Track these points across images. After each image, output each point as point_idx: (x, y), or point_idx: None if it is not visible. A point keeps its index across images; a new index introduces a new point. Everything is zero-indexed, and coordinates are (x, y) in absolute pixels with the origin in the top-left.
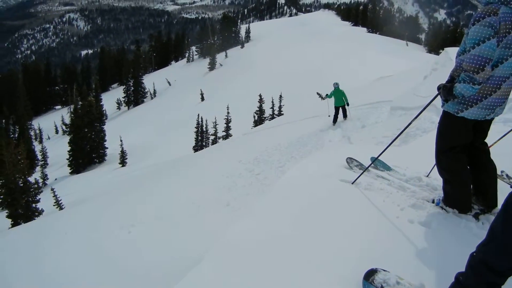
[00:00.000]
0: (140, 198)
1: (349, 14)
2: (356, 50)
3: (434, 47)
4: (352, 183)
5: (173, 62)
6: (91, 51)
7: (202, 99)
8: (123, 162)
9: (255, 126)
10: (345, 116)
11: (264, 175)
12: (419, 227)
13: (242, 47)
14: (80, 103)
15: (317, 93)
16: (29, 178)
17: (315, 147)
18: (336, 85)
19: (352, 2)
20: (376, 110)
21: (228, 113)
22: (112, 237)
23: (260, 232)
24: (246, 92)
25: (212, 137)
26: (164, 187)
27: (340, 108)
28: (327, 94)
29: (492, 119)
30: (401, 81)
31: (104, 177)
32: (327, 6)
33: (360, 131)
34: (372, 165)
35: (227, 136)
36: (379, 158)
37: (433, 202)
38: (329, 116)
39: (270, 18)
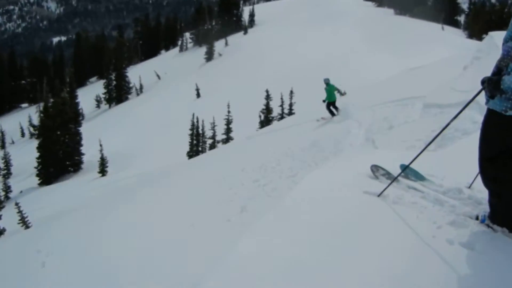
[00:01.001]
0: (124, 214)
1: None
2: (381, 36)
3: (476, 32)
4: (378, 196)
5: (163, 52)
6: (65, 38)
7: (198, 95)
8: (103, 171)
9: (261, 127)
10: (336, 109)
11: (272, 186)
12: (460, 250)
13: (245, 33)
14: (51, 100)
15: (323, 101)
16: None
17: (333, 153)
18: (327, 81)
19: None
20: (406, 108)
21: (228, 112)
22: (89, 261)
23: (267, 256)
24: (250, 88)
25: (209, 141)
26: (152, 201)
27: (330, 104)
28: (323, 100)
29: None
30: (436, 72)
31: (80, 189)
32: None
33: (387, 133)
34: (402, 174)
35: (227, 139)
36: (410, 165)
37: (477, 218)
38: (332, 116)
39: None
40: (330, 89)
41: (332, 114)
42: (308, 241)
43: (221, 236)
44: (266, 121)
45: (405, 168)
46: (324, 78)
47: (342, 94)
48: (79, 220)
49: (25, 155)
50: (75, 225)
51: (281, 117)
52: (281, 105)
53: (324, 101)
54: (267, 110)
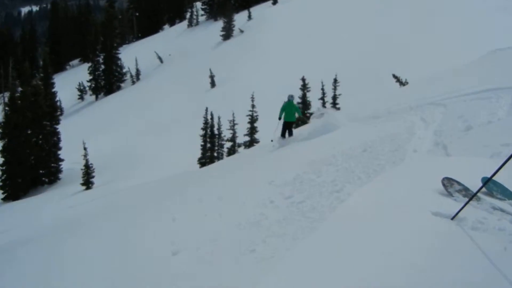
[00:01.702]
0: (113, 242)
1: None
2: (455, 5)
3: None
4: (452, 219)
5: (166, 27)
6: (37, 8)
7: (212, 84)
8: (87, 183)
9: (294, 128)
10: (290, 134)
11: (309, 205)
12: None
13: (274, 3)
14: (19, 89)
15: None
16: None
17: (391, 161)
18: (291, 98)
19: None
20: (489, 103)
21: (253, 106)
22: None
23: None
24: (280, 74)
25: (228, 145)
26: (150, 222)
27: (292, 124)
28: (279, 118)
29: None
30: None
31: (57, 206)
32: None
33: (463, 136)
34: (485, 189)
35: (251, 142)
36: (494, 179)
37: None
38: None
39: None
40: (290, 108)
41: (283, 135)
42: (357, 280)
43: (241, 274)
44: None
45: (487, 182)
46: (289, 94)
47: (300, 116)
48: (50, 248)
49: None
50: (44, 255)
51: (322, 113)
52: (322, 98)
53: (279, 119)
54: (304, 103)
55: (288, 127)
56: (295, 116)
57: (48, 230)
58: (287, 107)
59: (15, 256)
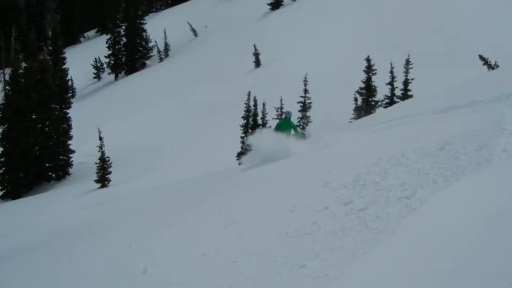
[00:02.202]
0: (132, 252)
1: None
2: None
3: None
4: None
5: None
6: None
7: (257, 63)
8: (103, 180)
9: (356, 117)
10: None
11: (373, 213)
12: None
13: None
14: (23, 65)
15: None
16: None
17: (475, 162)
18: (287, 115)
19: None
20: None
21: (305, 91)
22: None
23: None
24: (339, 53)
25: None
26: (177, 231)
27: None
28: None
29: None
30: None
31: (65, 207)
32: None
33: None
34: None
35: (302, 134)
36: None
37: None
38: None
39: None
40: (286, 125)
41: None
42: None
43: None
44: (365, 107)
45: None
46: (287, 111)
47: (298, 133)
48: (48, 260)
49: None
50: (42, 269)
51: (390, 101)
52: (391, 83)
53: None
54: (368, 89)
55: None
56: (291, 134)
57: (50, 236)
58: (283, 124)
59: (11, 268)
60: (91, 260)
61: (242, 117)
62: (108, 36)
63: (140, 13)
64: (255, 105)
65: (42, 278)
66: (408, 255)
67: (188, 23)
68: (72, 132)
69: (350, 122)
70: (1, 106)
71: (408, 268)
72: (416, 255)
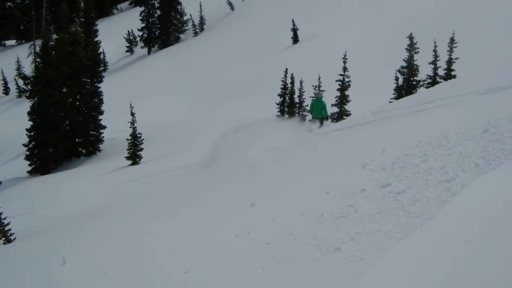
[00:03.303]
0: (161, 236)
1: None
2: None
3: None
4: None
5: None
6: None
7: (295, 40)
8: (134, 157)
9: (397, 97)
10: (320, 126)
11: (411, 196)
12: None
13: None
14: (54, 36)
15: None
16: None
17: None
18: (318, 95)
19: None
20: None
21: (344, 69)
22: None
23: None
24: (383, 29)
25: (310, 116)
26: (208, 211)
27: (318, 120)
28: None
29: None
30: None
31: (95, 184)
32: None
33: None
34: None
35: (340, 115)
36: None
37: None
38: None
39: None
40: (316, 104)
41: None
42: None
43: (322, 278)
44: (406, 87)
45: None
46: (316, 91)
47: (326, 115)
48: (57, 242)
49: (8, 125)
50: (46, 252)
51: (433, 81)
52: (434, 62)
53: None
54: (409, 68)
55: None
56: (322, 113)
57: (71, 217)
58: (314, 105)
59: (40, 242)
60: (139, 234)
61: (279, 94)
62: (142, 8)
63: None
64: (292, 82)
65: (43, 264)
66: (447, 242)
67: None
68: (103, 107)
69: (391, 102)
70: (31, 78)
71: (446, 254)
72: (455, 242)
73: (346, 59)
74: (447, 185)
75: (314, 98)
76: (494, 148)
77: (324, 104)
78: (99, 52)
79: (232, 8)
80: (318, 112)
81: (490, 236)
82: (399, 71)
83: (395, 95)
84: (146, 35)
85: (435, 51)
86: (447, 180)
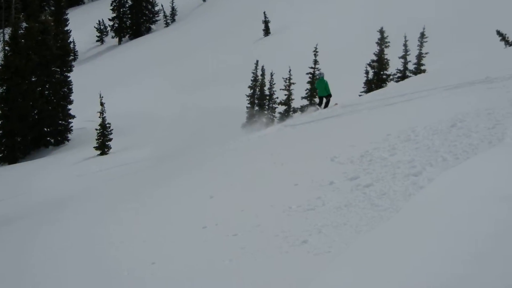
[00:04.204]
0: (129, 227)
1: None
2: None
3: None
4: None
5: None
6: None
7: (266, 32)
8: (103, 147)
9: (366, 91)
10: (326, 106)
11: (379, 189)
12: None
13: None
14: (24, 25)
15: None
16: None
17: (487, 140)
18: (321, 75)
19: None
20: None
21: (315, 62)
22: None
23: None
24: (352, 23)
25: (281, 108)
26: (175, 203)
27: (324, 98)
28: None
29: None
30: None
31: (63, 174)
32: None
33: None
34: None
35: (310, 106)
36: None
37: None
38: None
39: None
40: (319, 83)
41: (319, 104)
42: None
43: (289, 270)
44: (376, 81)
45: None
46: (319, 72)
47: (329, 94)
48: (27, 232)
49: None
50: (18, 241)
51: (403, 75)
52: (404, 56)
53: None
54: (380, 62)
55: (321, 100)
56: (325, 91)
57: (40, 206)
58: (318, 84)
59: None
60: (61, 235)
61: (249, 86)
62: None
63: None
64: (263, 74)
65: (14, 252)
66: (413, 235)
67: None
68: (72, 97)
69: (360, 95)
70: (0, 67)
71: (412, 247)
72: (421, 235)
73: (317, 52)
74: (415, 178)
75: (316, 79)
76: (462, 143)
77: (326, 82)
78: (69, 41)
79: None
80: (323, 91)
81: (455, 230)
82: (369, 65)
83: (365, 89)
84: (117, 25)
85: (405, 45)
86: (415, 174)
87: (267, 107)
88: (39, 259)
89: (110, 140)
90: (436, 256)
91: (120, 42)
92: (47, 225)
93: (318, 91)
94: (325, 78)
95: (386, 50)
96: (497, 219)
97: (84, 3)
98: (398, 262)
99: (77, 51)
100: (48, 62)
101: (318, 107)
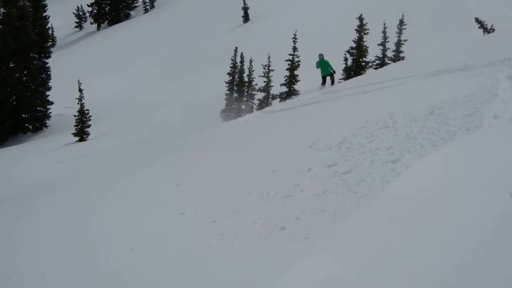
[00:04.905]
0: (106, 214)
1: None
2: None
3: None
4: None
5: None
6: None
7: (246, 18)
8: (81, 133)
9: (345, 78)
10: (332, 83)
11: (357, 176)
12: None
13: None
14: (2, 10)
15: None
16: None
17: (465, 128)
18: (321, 56)
19: None
20: None
21: (294, 49)
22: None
23: (349, 285)
24: (332, 10)
25: (260, 95)
26: (154, 189)
27: (327, 77)
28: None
29: None
30: None
31: (42, 161)
32: None
33: None
34: None
35: (289, 93)
36: None
37: None
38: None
39: None
40: (321, 64)
41: (323, 84)
42: (406, 278)
43: (267, 256)
44: (355, 68)
45: None
46: (319, 53)
47: (334, 71)
48: (8, 218)
49: None
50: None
51: (381, 63)
52: (383, 43)
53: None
54: (359, 49)
55: (326, 80)
56: (329, 70)
57: (21, 191)
58: (320, 64)
59: None
60: (42, 221)
61: (228, 73)
62: None
63: None
64: (242, 61)
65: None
66: (390, 221)
67: None
68: (51, 83)
69: (339, 82)
70: None
71: (390, 234)
72: (398, 221)
73: (296, 39)
74: (393, 165)
75: (318, 61)
76: (440, 130)
77: (327, 62)
78: (47, 27)
79: None
80: (325, 70)
81: (430, 215)
82: (348, 51)
83: (344, 76)
84: (95, 11)
85: (384, 32)
86: (393, 161)
87: (246, 93)
88: (16, 246)
89: (89, 126)
90: (411, 241)
91: (99, 28)
92: (25, 212)
93: (322, 71)
94: (325, 59)
95: (365, 37)
96: (473, 202)
97: None
98: (371, 250)
99: (55, 37)
100: (26, 48)
101: (322, 86)
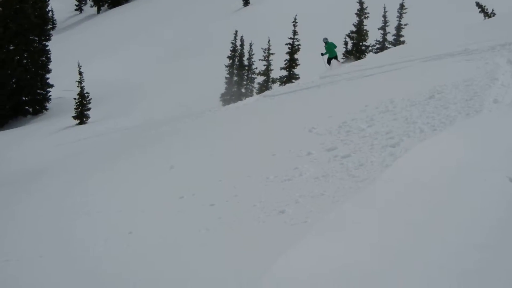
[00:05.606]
0: (105, 197)
1: None
2: None
3: None
4: None
5: None
6: None
7: (246, 2)
8: (81, 116)
9: (345, 62)
10: (335, 64)
11: (356, 160)
12: None
13: None
14: None
15: (321, 54)
16: None
17: (464, 112)
18: (325, 40)
19: None
20: None
21: (294, 33)
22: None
23: (346, 267)
24: None
25: (260, 78)
26: (152, 173)
27: (333, 59)
28: (322, 53)
29: None
30: None
31: (41, 144)
32: None
33: None
34: None
35: (289, 78)
36: None
37: None
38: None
39: None
40: (329, 47)
41: (329, 63)
42: (403, 258)
43: (265, 240)
44: (356, 52)
45: None
46: (324, 38)
47: (337, 52)
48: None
49: None
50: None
51: (382, 47)
52: (383, 27)
53: (322, 54)
54: (358, 33)
55: (330, 61)
56: (335, 51)
57: (17, 175)
58: (329, 47)
59: None
60: (37, 204)
61: (228, 57)
62: None
63: None
64: (242, 45)
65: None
66: (389, 205)
67: None
68: (51, 66)
69: (343, 60)
70: None
71: (388, 217)
72: (397, 205)
73: (296, 22)
74: (392, 149)
75: (325, 45)
76: (439, 114)
77: (333, 43)
78: (47, 10)
79: None
80: (333, 52)
81: (426, 199)
82: (348, 35)
83: (344, 60)
84: None
85: (384, 16)
86: (392, 145)
87: (246, 77)
88: (15, 228)
89: (89, 109)
90: (407, 225)
91: (99, 11)
92: (24, 194)
93: (330, 53)
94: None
95: (365, 21)
96: (472, 186)
97: None
98: (370, 234)
99: (55, 20)
100: (26, 31)
101: (329, 66)
